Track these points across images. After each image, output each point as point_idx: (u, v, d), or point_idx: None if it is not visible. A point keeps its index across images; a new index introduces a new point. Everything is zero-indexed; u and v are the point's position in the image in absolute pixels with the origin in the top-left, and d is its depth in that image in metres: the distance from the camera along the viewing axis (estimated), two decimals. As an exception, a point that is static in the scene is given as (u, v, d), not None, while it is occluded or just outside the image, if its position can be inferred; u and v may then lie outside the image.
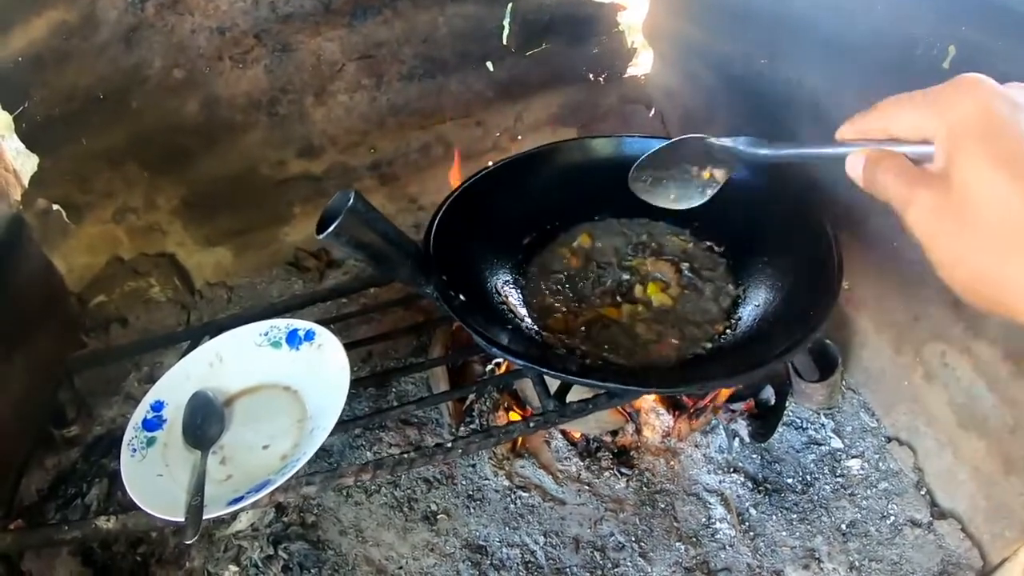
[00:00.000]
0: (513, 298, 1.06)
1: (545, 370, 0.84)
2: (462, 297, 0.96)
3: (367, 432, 1.34)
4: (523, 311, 1.04)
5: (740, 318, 1.02)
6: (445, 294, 0.92)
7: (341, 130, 1.61)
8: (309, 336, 1.03)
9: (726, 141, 0.74)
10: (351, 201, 0.81)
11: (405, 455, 0.94)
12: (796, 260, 0.99)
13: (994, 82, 0.45)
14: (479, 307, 0.99)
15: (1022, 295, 0.41)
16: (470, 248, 1.07)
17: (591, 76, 1.74)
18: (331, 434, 0.87)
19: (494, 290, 1.07)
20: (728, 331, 1.01)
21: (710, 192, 0.83)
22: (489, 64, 1.62)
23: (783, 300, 0.99)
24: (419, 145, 1.69)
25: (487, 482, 1.26)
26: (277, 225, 1.72)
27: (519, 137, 1.75)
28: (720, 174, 0.82)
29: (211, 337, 1.08)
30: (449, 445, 0.94)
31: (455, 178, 1.29)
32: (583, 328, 1.01)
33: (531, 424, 0.95)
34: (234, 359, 1.04)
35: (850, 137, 0.53)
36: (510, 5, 1.56)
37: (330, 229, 0.80)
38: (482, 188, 1.12)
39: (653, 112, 1.82)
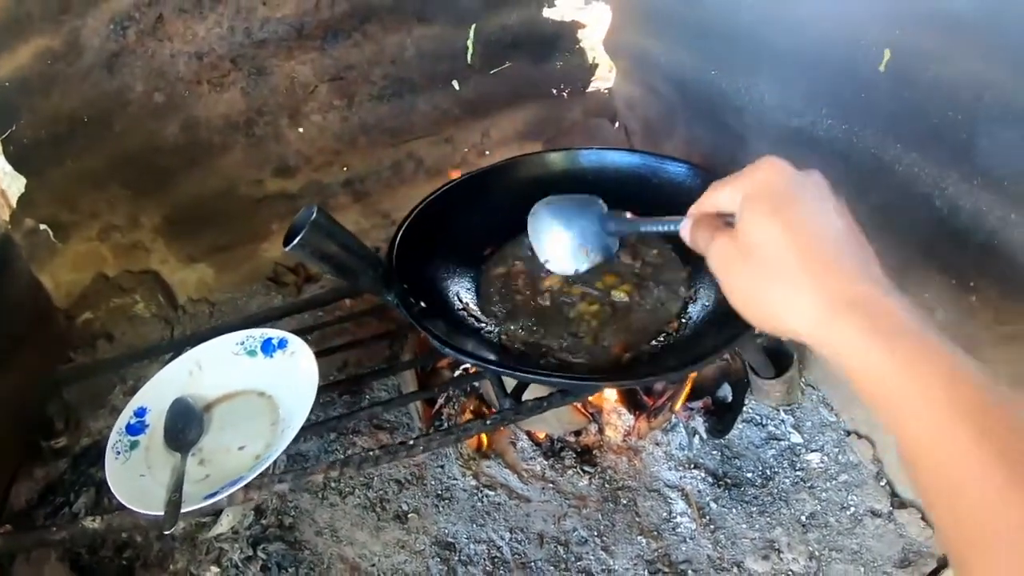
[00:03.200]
0: (473, 304, 1.11)
1: (494, 368, 0.89)
2: (423, 304, 1.01)
3: (341, 437, 1.38)
4: (482, 316, 1.09)
5: (690, 317, 1.06)
6: (406, 301, 0.97)
7: (315, 149, 1.66)
8: (282, 344, 1.07)
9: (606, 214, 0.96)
10: (314, 215, 0.87)
11: (371, 452, 0.98)
12: None
13: (788, 164, 0.57)
14: (440, 314, 1.03)
15: (783, 314, 0.53)
16: (432, 258, 1.12)
17: (555, 92, 1.78)
18: (307, 439, 0.91)
19: (455, 297, 1.11)
20: (679, 331, 1.05)
21: (586, 263, 1.00)
22: (455, 83, 1.66)
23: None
24: (390, 162, 1.73)
25: (455, 482, 1.30)
26: (256, 242, 1.76)
27: (487, 152, 1.79)
28: (595, 256, 0.99)
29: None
30: (411, 443, 0.98)
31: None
32: (538, 329, 1.05)
33: (488, 422, 1.00)
34: (212, 367, 1.08)
35: (694, 212, 0.67)
36: (474, 26, 1.60)
37: (295, 241, 0.86)
38: (444, 202, 1.17)
39: (617, 125, 1.86)
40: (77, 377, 1.35)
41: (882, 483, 1.24)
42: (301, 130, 1.63)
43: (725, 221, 0.62)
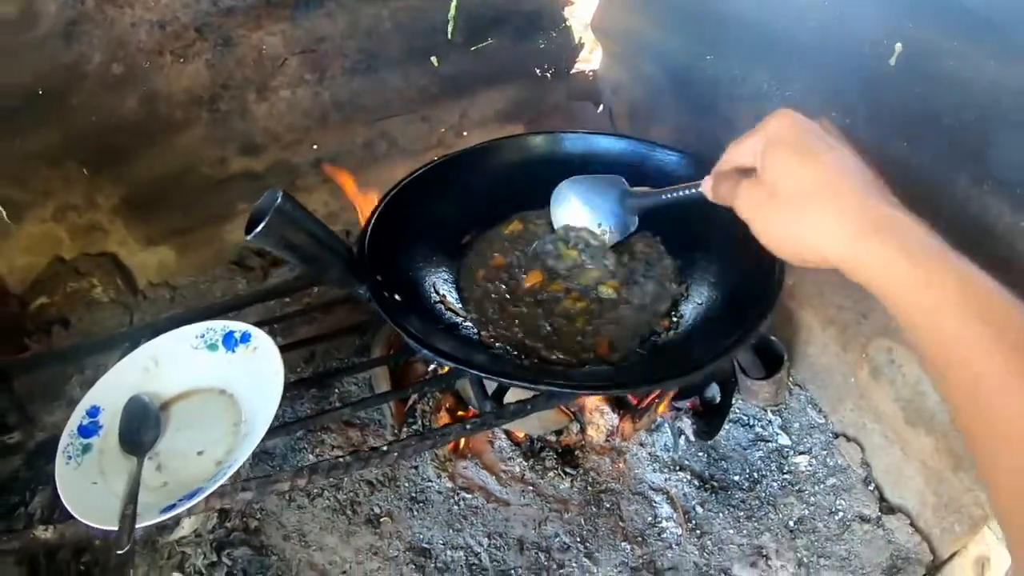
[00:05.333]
0: (451, 297, 1.04)
1: (474, 372, 0.82)
2: (397, 297, 0.94)
3: (309, 434, 1.32)
4: (460, 309, 1.03)
5: (682, 316, 1.01)
6: (378, 295, 0.90)
7: (283, 126, 1.59)
8: (245, 338, 1.01)
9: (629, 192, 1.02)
10: (278, 200, 0.79)
11: (341, 459, 0.92)
12: (740, 257, 0.96)
13: (800, 113, 0.63)
14: (415, 307, 0.97)
15: (814, 242, 0.57)
16: (407, 247, 1.05)
17: (538, 72, 1.73)
18: (273, 437, 0.86)
19: (432, 289, 1.04)
20: (670, 330, 0.99)
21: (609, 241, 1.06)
22: (434, 59, 1.60)
23: (725, 297, 0.98)
24: (363, 141, 1.67)
25: (430, 484, 1.25)
26: (220, 224, 1.69)
27: (465, 133, 1.73)
28: (616, 235, 1.07)
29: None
30: (385, 448, 0.92)
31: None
32: (520, 326, 0.99)
33: (468, 427, 0.94)
34: (170, 362, 1.02)
35: (715, 172, 0.73)
36: (455, -1, 1.54)
37: (257, 229, 0.78)
38: (419, 187, 1.10)
39: (601, 108, 1.81)
40: (31, 367, 1.27)
41: (870, 487, 1.22)
42: (269, 106, 1.55)
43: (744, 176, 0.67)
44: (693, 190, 0.80)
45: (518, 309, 1.01)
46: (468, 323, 1.00)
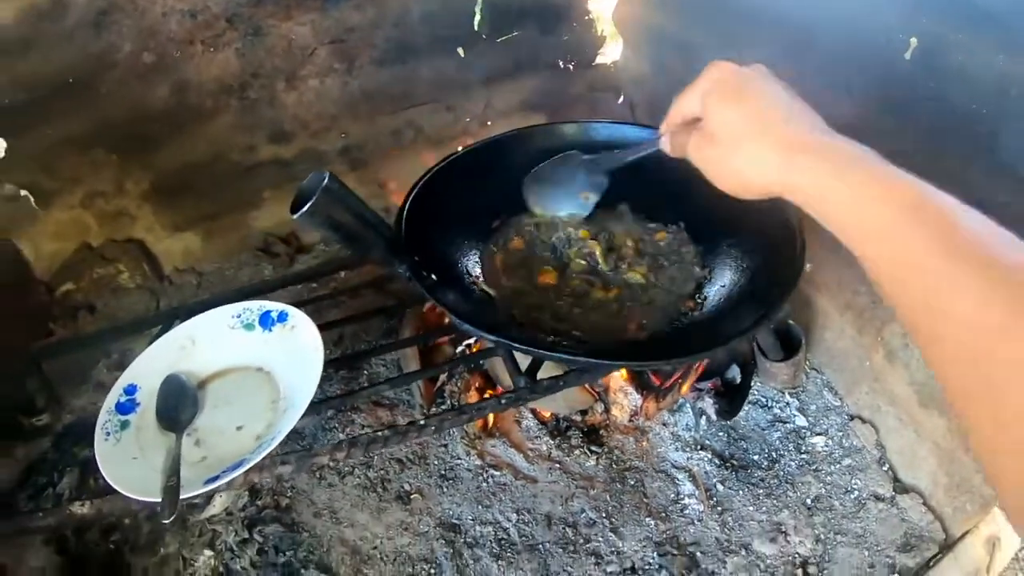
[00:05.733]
0: (482, 281, 1.07)
1: (516, 345, 0.85)
2: (434, 277, 0.96)
3: (339, 414, 1.35)
4: (493, 292, 1.05)
5: (706, 298, 1.04)
6: (417, 273, 0.93)
7: (312, 115, 1.60)
8: (282, 317, 1.02)
9: (590, 158, 1.03)
10: (326, 180, 0.81)
11: (379, 433, 0.93)
12: (761, 243, 1.01)
13: (732, 62, 0.69)
14: (451, 287, 0.99)
15: (752, 175, 0.63)
16: (440, 230, 1.07)
17: (561, 64, 1.74)
18: (303, 416, 0.87)
19: (465, 271, 1.08)
20: (694, 311, 1.02)
21: (590, 206, 1.08)
22: (460, 50, 1.62)
23: (747, 280, 1.01)
24: (390, 130, 1.69)
25: (459, 462, 1.28)
26: (246, 210, 1.71)
27: (489, 123, 1.75)
28: (593, 196, 1.07)
29: (181, 321, 1.07)
30: (422, 422, 0.94)
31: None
32: (552, 307, 1.02)
33: (503, 401, 0.96)
34: (207, 342, 1.02)
35: (664, 128, 0.80)
36: (482, -9, 1.56)
37: (304, 208, 0.80)
38: (451, 172, 1.12)
39: (622, 99, 1.83)
40: (59, 351, 1.27)
41: (885, 468, 1.25)
42: (298, 95, 1.57)
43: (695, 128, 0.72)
44: (651, 148, 0.85)
45: (547, 294, 1.04)
46: (501, 303, 1.03)
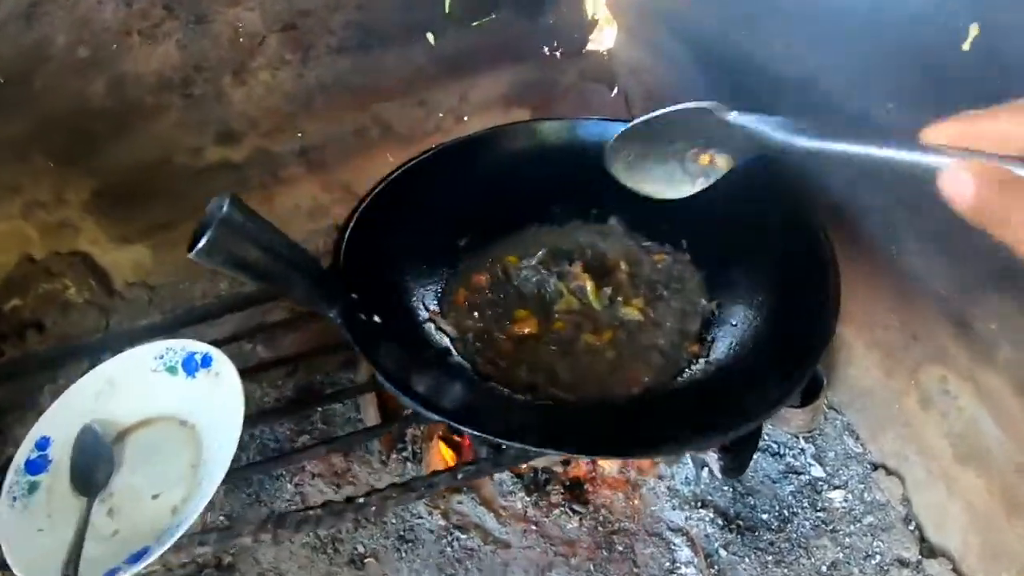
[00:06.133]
0: (443, 319, 0.91)
1: (466, 429, 0.67)
2: (376, 319, 0.80)
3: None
4: (454, 331, 0.89)
5: (714, 339, 0.89)
6: (351, 318, 0.76)
7: (263, 112, 1.48)
8: (206, 362, 0.91)
9: (749, 120, 0.57)
10: (224, 209, 0.66)
11: (312, 512, 0.81)
12: (782, 270, 0.86)
13: None
14: (400, 332, 0.84)
15: None
16: (393, 255, 0.93)
17: (547, 51, 1.61)
18: (237, 476, 0.82)
19: (421, 306, 0.92)
20: (700, 357, 0.87)
21: (702, 183, 0.68)
22: (430, 36, 1.48)
23: (764, 320, 0.86)
24: (352, 128, 1.57)
25: (420, 521, 1.13)
26: (197, 220, 1.56)
27: (465, 118, 1.63)
28: (723, 161, 0.66)
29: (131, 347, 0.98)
30: (361, 501, 0.80)
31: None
32: (530, 358, 0.86)
33: (459, 476, 0.80)
34: (127, 386, 0.93)
35: (945, 142, 0.38)
36: (454, -32, 1.43)
37: (199, 246, 0.66)
38: (409, 183, 0.97)
39: (616, 92, 1.70)
40: (3, 375, 1.20)
41: (911, 527, 1.11)
42: (247, 89, 1.44)
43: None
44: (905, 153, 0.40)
45: (522, 338, 0.89)
46: (463, 349, 0.88)
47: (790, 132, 0.51)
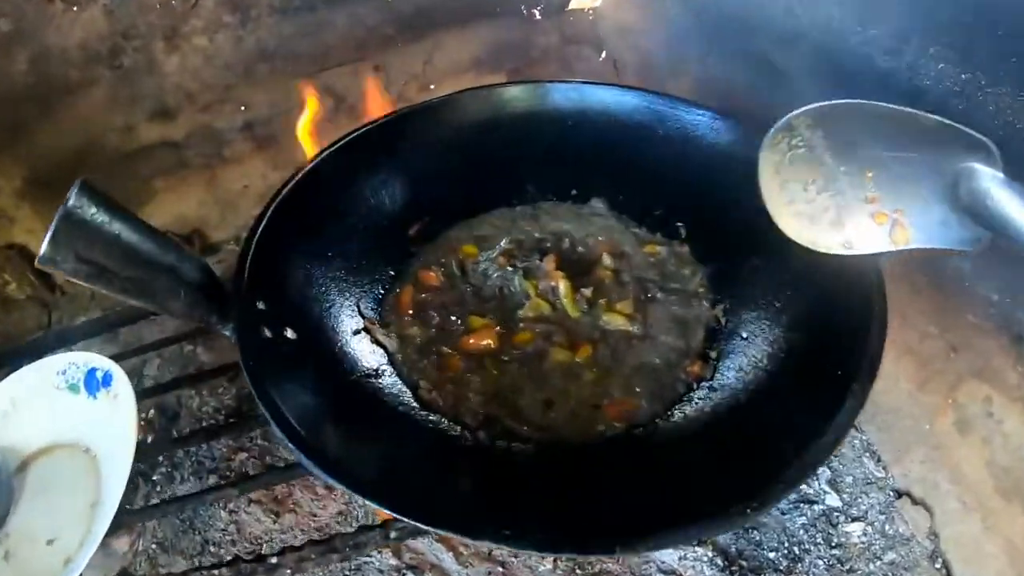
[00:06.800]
0: (380, 328, 0.76)
1: (384, 509, 0.50)
2: (289, 333, 0.65)
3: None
4: (392, 344, 0.75)
5: (720, 356, 0.76)
6: (248, 336, 0.60)
7: (200, 83, 1.40)
8: (107, 381, 0.87)
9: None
10: (70, 201, 0.54)
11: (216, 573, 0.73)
12: (808, 266, 0.69)
13: None
14: (316, 349, 0.69)
15: None
16: (318, 252, 0.78)
17: (524, 9, 1.52)
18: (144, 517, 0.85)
19: (355, 312, 0.77)
20: (703, 381, 0.73)
21: (864, 247, 0.55)
22: None
23: (787, 332, 0.73)
24: (302, 99, 1.47)
25: (369, 560, 1.00)
26: (136, 206, 1.51)
27: (431, 86, 1.53)
28: (906, 236, 0.53)
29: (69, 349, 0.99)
30: (275, 561, 0.69)
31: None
32: (484, 380, 0.72)
33: (391, 535, 0.66)
34: (30, 406, 0.91)
35: None
36: (414, -89, 1.31)
37: (42, 251, 0.54)
38: (342, 164, 0.85)
39: (604, 56, 1.60)
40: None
41: (937, 565, 1.00)
42: (181, 57, 1.36)
43: None
44: None
45: (478, 357, 0.74)
46: (404, 373, 0.73)
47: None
